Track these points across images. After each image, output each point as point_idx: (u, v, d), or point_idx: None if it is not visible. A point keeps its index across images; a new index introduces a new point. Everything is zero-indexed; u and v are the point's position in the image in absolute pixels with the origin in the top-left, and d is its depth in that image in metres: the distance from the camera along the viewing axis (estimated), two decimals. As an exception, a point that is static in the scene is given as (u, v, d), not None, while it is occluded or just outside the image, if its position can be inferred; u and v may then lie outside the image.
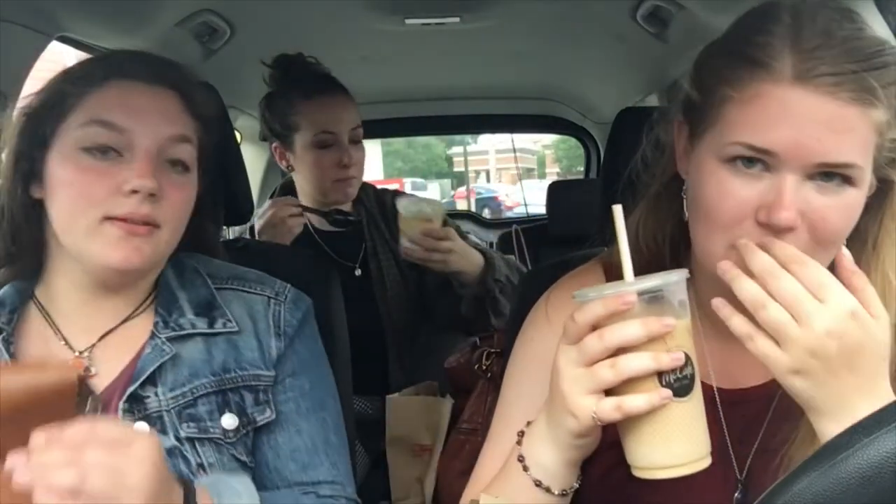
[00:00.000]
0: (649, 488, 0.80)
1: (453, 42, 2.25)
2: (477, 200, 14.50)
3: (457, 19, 2.00)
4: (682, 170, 0.86)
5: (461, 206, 11.71)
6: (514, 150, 4.10)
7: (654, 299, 0.68)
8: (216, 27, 1.88)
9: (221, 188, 1.29)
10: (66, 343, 0.96)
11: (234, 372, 0.98)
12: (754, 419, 0.84)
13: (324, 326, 1.14)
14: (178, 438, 0.93)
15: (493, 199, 15.67)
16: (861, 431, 0.48)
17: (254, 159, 2.73)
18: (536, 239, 2.57)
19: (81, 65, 0.98)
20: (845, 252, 0.74)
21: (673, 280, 0.69)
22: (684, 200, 0.85)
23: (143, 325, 0.99)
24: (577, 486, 0.78)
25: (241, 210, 1.37)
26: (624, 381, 0.67)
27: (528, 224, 2.75)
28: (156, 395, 0.94)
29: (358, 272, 1.80)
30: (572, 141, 3.61)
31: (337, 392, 1.10)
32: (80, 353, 0.95)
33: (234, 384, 0.98)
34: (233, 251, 1.23)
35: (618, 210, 0.72)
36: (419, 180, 21.69)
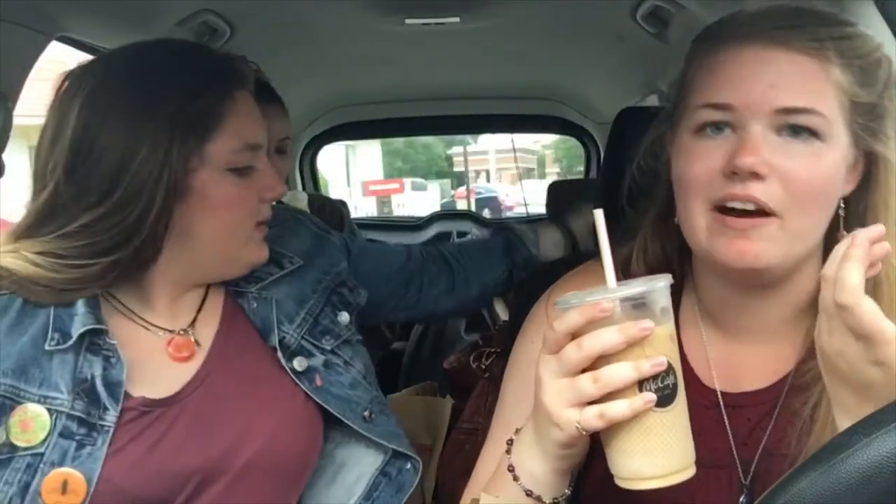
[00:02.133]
0: (652, 493, 0.79)
1: (453, 42, 2.25)
2: (477, 200, 14.49)
3: (457, 19, 2.00)
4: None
5: (461, 206, 11.69)
6: (514, 150, 4.10)
7: (635, 306, 0.66)
8: (216, 27, 1.88)
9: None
10: (149, 326, 0.99)
11: (325, 280, 1.12)
12: (758, 423, 0.83)
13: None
14: (324, 352, 1.06)
15: (493, 199, 15.67)
16: (861, 431, 0.48)
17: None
18: (536, 239, 2.57)
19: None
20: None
21: (655, 287, 0.67)
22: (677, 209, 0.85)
23: (215, 291, 1.06)
24: (569, 492, 0.78)
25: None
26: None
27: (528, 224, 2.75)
28: (286, 332, 1.04)
29: None
30: (572, 141, 3.61)
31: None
32: (181, 331, 1.00)
33: (331, 287, 1.12)
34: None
35: (599, 214, 0.71)
36: (419, 180, 21.68)
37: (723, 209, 0.77)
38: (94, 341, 0.93)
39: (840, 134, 0.76)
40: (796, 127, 0.75)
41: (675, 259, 0.89)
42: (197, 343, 1.00)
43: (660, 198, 0.90)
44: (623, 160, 0.96)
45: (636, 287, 0.67)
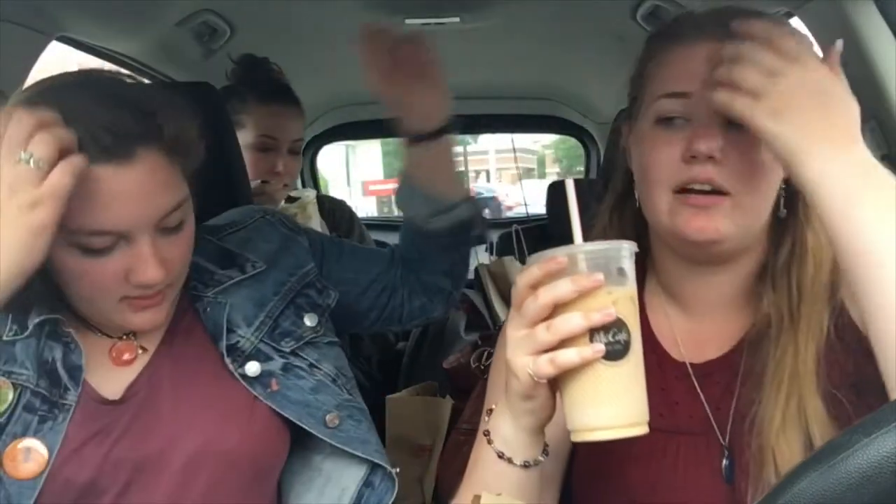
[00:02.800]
0: (638, 467, 0.86)
1: (453, 42, 2.25)
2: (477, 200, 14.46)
3: (457, 19, 2.00)
4: (630, 164, 0.94)
5: (461, 206, 11.67)
6: (514, 150, 4.10)
7: (596, 265, 0.69)
8: (216, 27, 1.88)
9: (222, 188, 1.29)
10: (102, 332, 1.00)
11: (289, 282, 1.09)
12: (727, 387, 0.88)
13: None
14: (283, 355, 1.03)
15: (493, 199, 15.66)
16: (861, 431, 0.48)
17: (254, 159, 2.72)
18: (536, 239, 2.57)
19: None
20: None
21: (613, 246, 0.71)
22: (636, 193, 0.92)
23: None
24: (543, 459, 0.79)
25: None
26: (561, 342, 0.69)
27: (528, 224, 2.75)
28: (242, 337, 1.02)
29: None
30: (572, 141, 3.61)
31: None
32: (125, 336, 0.99)
33: (296, 290, 1.09)
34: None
35: (570, 183, 0.77)
36: (419, 180, 21.63)
37: (682, 191, 0.83)
38: (54, 330, 0.95)
39: None
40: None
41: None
42: (141, 348, 1.00)
43: (617, 186, 0.96)
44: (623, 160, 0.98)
45: (595, 245, 0.71)
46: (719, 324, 0.92)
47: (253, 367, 1.00)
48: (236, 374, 0.99)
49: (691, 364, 0.91)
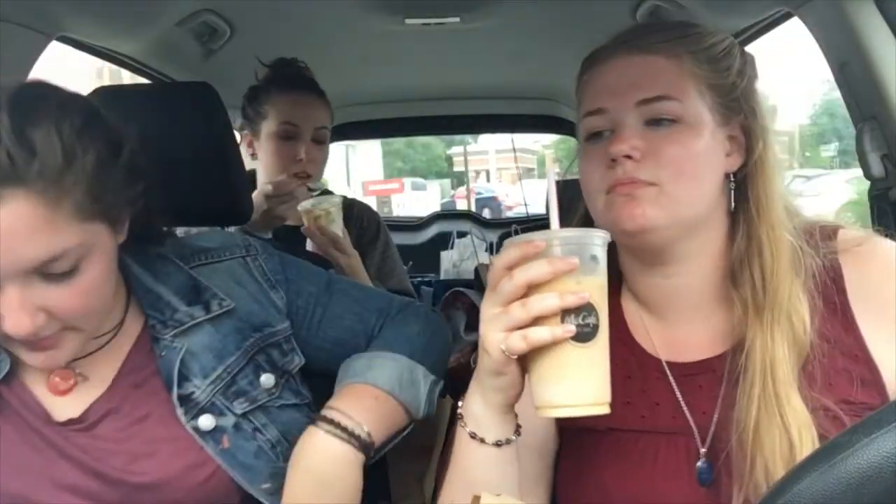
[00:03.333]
0: (617, 467, 0.88)
1: (453, 42, 2.25)
2: (477, 200, 14.50)
3: (457, 19, 2.01)
4: None
5: (461, 206, 11.69)
6: (514, 150, 4.10)
7: (570, 251, 0.73)
8: (216, 27, 1.88)
9: (221, 188, 1.29)
10: None
11: (252, 337, 1.01)
12: (710, 391, 0.88)
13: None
14: (235, 414, 0.97)
15: (493, 199, 15.68)
16: (861, 431, 0.48)
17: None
18: (536, 239, 2.57)
19: None
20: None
21: (587, 234, 0.75)
22: None
23: (129, 329, 0.98)
24: (515, 439, 0.81)
25: (240, 210, 1.37)
26: (533, 321, 0.72)
27: (528, 224, 2.75)
28: (196, 387, 0.96)
29: None
30: (572, 141, 3.62)
31: (327, 269, 1.17)
32: (66, 365, 0.93)
33: (257, 347, 1.01)
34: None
35: (551, 172, 0.84)
36: (419, 180, 21.69)
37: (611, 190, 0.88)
38: None
39: (703, 115, 0.88)
40: (659, 117, 0.87)
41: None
42: (82, 376, 0.95)
43: (581, 205, 0.98)
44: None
45: (570, 231, 0.75)
46: (694, 326, 0.92)
47: (206, 421, 0.95)
48: (188, 427, 0.94)
49: (671, 364, 0.91)
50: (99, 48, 1.71)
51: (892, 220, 1.37)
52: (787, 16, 1.52)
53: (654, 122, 0.87)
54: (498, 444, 0.80)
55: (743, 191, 0.89)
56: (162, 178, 1.02)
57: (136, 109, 1.11)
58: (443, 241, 3.45)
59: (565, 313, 0.71)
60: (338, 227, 1.70)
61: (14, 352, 0.89)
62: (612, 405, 0.86)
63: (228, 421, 0.97)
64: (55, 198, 0.78)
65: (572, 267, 0.71)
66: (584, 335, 0.71)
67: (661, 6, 1.77)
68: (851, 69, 1.36)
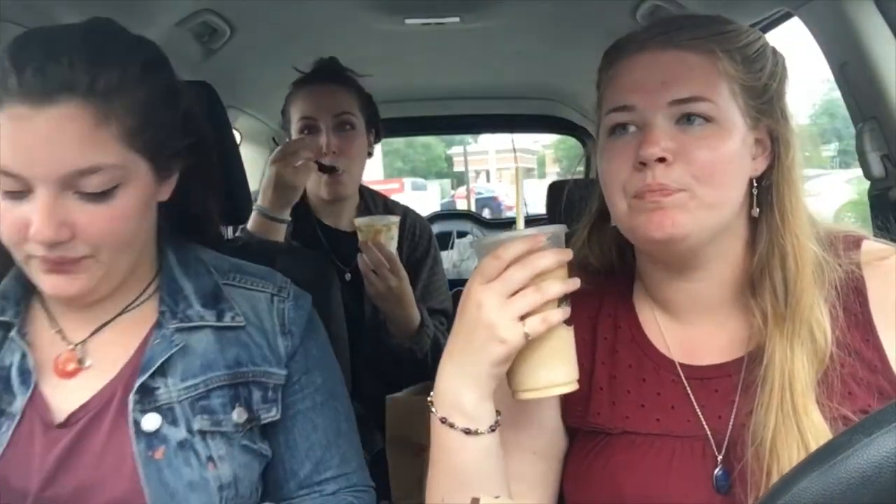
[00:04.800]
0: (629, 470, 0.87)
1: (453, 42, 2.25)
2: (477, 200, 14.47)
3: (457, 19, 2.01)
4: None
5: (461, 206, 11.67)
6: (514, 150, 4.11)
7: (551, 245, 0.81)
8: (216, 27, 1.88)
9: (221, 188, 1.29)
10: (62, 335, 0.95)
11: (247, 367, 0.98)
12: (726, 396, 0.87)
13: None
14: (189, 430, 0.92)
15: (493, 199, 15.66)
16: (861, 431, 0.48)
17: (253, 159, 2.73)
18: (536, 239, 2.56)
19: None
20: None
21: (558, 229, 0.82)
22: None
23: (146, 314, 0.98)
24: (499, 417, 0.83)
25: (239, 209, 1.37)
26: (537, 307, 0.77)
27: (528, 224, 2.75)
28: (166, 385, 0.93)
29: (348, 277, 1.78)
30: (572, 141, 3.61)
31: (343, 380, 1.12)
32: (74, 346, 0.94)
33: (246, 378, 0.98)
34: (231, 250, 1.23)
35: (519, 170, 0.91)
36: (419, 180, 21.67)
37: (638, 195, 0.85)
38: (9, 334, 0.93)
39: (735, 117, 0.85)
40: (690, 115, 0.84)
41: (616, 256, 0.99)
42: (81, 361, 0.94)
43: (594, 205, 0.98)
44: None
45: (550, 228, 0.81)
46: (711, 330, 0.91)
47: (151, 421, 0.90)
48: (129, 417, 0.90)
49: (687, 367, 0.90)
50: (99, 48, 1.71)
51: (892, 220, 1.37)
52: (787, 16, 1.51)
53: (686, 122, 0.84)
54: (492, 429, 0.82)
55: (767, 197, 0.87)
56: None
57: (136, 109, 1.11)
58: (443, 241, 3.45)
59: (560, 299, 0.79)
60: (393, 247, 1.65)
61: (33, 278, 0.90)
62: (627, 408, 0.89)
63: (176, 434, 0.91)
64: (104, 115, 0.83)
65: (570, 257, 0.79)
66: (569, 319, 0.80)
67: (661, 6, 1.77)
68: (851, 69, 1.36)
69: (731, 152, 0.84)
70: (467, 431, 0.81)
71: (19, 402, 0.90)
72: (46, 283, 0.88)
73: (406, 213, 1.93)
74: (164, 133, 0.90)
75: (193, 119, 0.96)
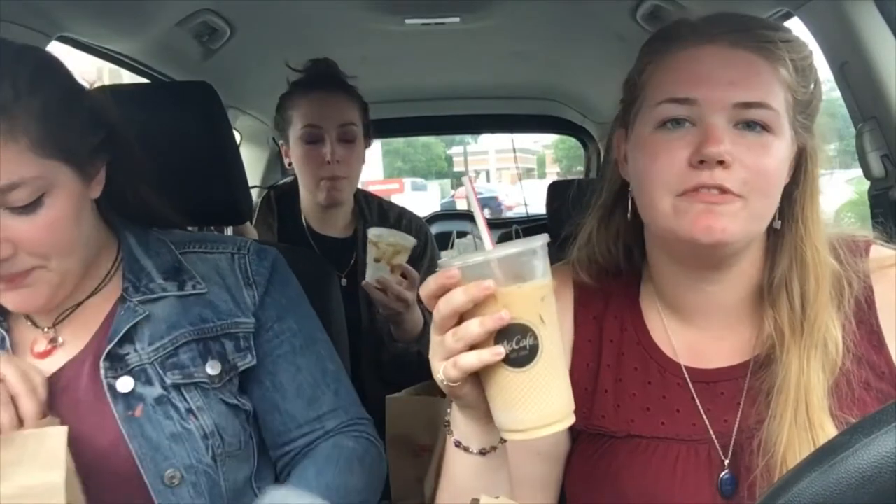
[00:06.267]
0: (633, 473, 0.86)
1: (453, 42, 2.25)
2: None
3: (457, 19, 2.01)
4: (624, 173, 0.92)
5: (461, 206, 11.68)
6: (514, 150, 4.10)
7: (508, 269, 0.68)
8: (216, 27, 1.88)
9: (221, 188, 1.29)
10: (31, 321, 0.99)
11: (212, 322, 1.01)
12: (731, 400, 0.87)
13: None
14: (164, 387, 0.96)
15: (493, 199, 15.67)
16: (861, 431, 0.48)
17: (253, 160, 2.73)
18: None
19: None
20: None
21: (525, 248, 0.68)
22: (629, 202, 0.91)
23: (111, 293, 1.01)
24: (500, 447, 0.79)
25: (239, 210, 1.37)
26: (471, 347, 0.68)
27: (528, 224, 2.75)
28: (135, 351, 0.96)
29: (343, 282, 1.77)
30: (572, 141, 3.62)
31: (323, 328, 1.13)
32: (46, 329, 0.98)
33: (214, 333, 1.01)
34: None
35: (467, 181, 0.79)
36: (419, 180, 21.69)
37: (686, 192, 0.81)
38: None
39: (786, 128, 0.83)
40: (751, 121, 0.81)
41: (623, 256, 0.96)
42: (54, 341, 0.98)
43: (604, 199, 0.95)
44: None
45: (507, 249, 0.68)
46: (719, 334, 0.91)
47: (125, 383, 0.94)
48: (104, 384, 0.94)
49: (691, 370, 0.90)
50: (99, 48, 1.71)
51: (891, 219, 1.37)
52: (787, 16, 1.51)
53: (745, 126, 0.81)
54: (483, 453, 0.79)
55: (790, 209, 0.86)
56: (161, 178, 1.02)
57: (136, 109, 1.12)
58: (443, 241, 3.45)
59: (499, 337, 0.67)
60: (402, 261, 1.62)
61: None
62: (632, 411, 0.85)
63: (152, 392, 0.95)
64: (8, 131, 0.84)
65: (488, 292, 0.66)
66: (521, 360, 0.68)
67: (661, 6, 1.77)
68: (851, 69, 1.36)
69: (781, 163, 0.83)
70: (458, 444, 0.80)
71: None
72: (8, 300, 0.92)
73: (402, 214, 1.94)
74: (74, 135, 0.90)
75: (102, 113, 0.96)
